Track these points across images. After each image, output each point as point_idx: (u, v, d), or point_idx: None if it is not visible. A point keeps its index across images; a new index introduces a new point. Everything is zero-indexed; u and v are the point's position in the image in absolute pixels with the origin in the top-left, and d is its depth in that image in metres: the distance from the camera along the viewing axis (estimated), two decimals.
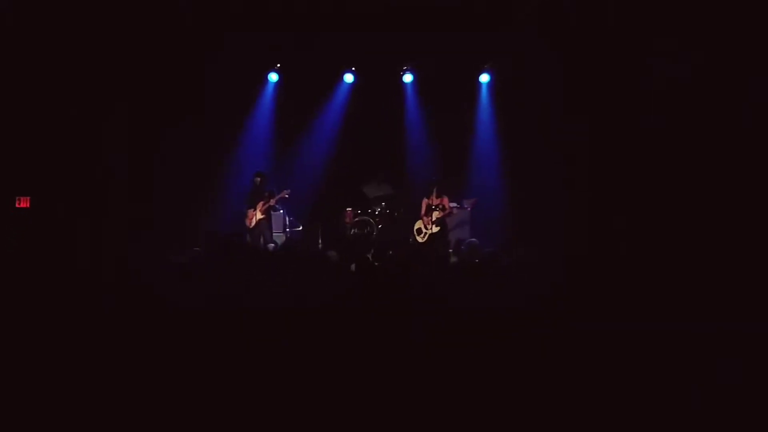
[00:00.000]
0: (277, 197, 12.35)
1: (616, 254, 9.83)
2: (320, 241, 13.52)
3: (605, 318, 5.19)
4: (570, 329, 4.98)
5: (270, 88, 14.02)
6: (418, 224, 12.37)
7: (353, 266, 8.14)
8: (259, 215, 12.30)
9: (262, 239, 12.24)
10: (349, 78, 13.94)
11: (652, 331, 4.87)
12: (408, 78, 13.89)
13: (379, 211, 13.90)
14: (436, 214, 12.01)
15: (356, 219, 13.80)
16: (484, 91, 13.97)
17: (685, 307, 5.41)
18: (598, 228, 11.31)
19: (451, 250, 12.34)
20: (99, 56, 11.22)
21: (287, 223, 13.61)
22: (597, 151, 11.89)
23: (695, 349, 4.57)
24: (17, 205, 10.80)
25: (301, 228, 13.90)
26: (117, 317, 5.16)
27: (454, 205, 12.37)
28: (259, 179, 12.41)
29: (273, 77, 13.86)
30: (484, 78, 13.82)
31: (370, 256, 9.82)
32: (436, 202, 12.06)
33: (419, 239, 12.29)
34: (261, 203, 12.27)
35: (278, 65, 13.73)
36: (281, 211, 13.40)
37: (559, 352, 4.74)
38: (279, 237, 13.16)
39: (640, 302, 5.54)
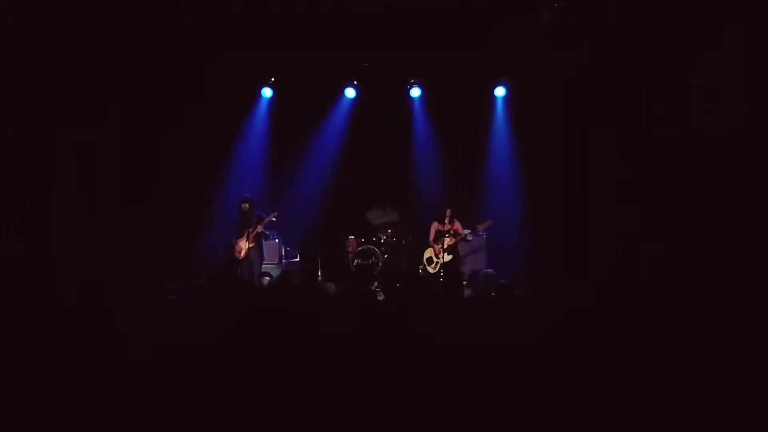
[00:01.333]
0: (265, 221, 12.57)
1: (640, 284, 10.21)
2: (320, 272, 13.81)
3: (630, 359, 5.35)
4: (590, 369, 5.25)
5: (263, 105, 14.44)
6: (429, 252, 12.73)
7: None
8: (248, 245, 12.54)
9: (252, 271, 12.52)
10: (350, 92, 14.33)
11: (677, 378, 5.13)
12: (416, 92, 14.28)
13: (384, 239, 14.19)
14: (447, 241, 12.38)
15: (360, 248, 14.08)
16: (499, 105, 14.34)
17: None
18: (626, 256, 11.70)
19: (464, 282, 12.77)
20: (85, 68, 11.81)
21: (283, 253, 13.95)
22: (624, 171, 12.26)
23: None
24: None
25: (298, 258, 14.24)
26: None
27: (467, 231, 12.76)
28: (246, 205, 12.59)
29: (266, 93, 14.26)
30: (500, 91, 14.20)
31: (375, 288, 10.24)
32: (447, 227, 12.43)
33: (430, 269, 12.64)
34: (250, 231, 12.52)
35: (272, 79, 14.16)
36: (276, 240, 13.73)
37: (578, 393, 5.00)
38: (273, 269, 13.51)
39: (669, 340, 5.71)
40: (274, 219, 12.62)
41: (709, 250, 10.58)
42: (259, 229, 12.52)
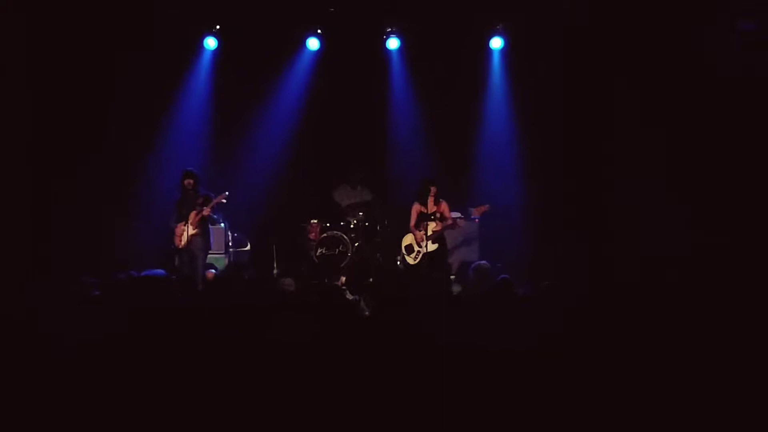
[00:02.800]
0: (213, 202, 12.29)
1: (666, 283, 10.17)
2: (275, 264, 13.71)
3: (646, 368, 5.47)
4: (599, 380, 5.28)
5: (206, 59, 14.28)
6: (408, 239, 12.55)
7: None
8: (191, 230, 12.23)
9: (194, 263, 12.26)
10: (313, 44, 14.17)
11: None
12: (393, 44, 14.14)
13: (354, 224, 14.07)
14: (432, 227, 12.15)
15: (324, 235, 13.92)
16: (495, 61, 14.25)
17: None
18: (647, 245, 11.62)
19: (453, 276, 12.59)
20: None
21: (230, 240, 13.77)
22: (649, 143, 12.26)
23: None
24: None
25: (249, 247, 14.08)
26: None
27: (457, 215, 12.56)
28: (190, 182, 12.29)
29: (210, 43, 14.08)
30: (496, 43, 14.07)
31: (341, 284, 10.07)
32: (432, 209, 12.23)
33: (410, 260, 12.46)
34: (193, 214, 12.22)
35: (217, 27, 13.99)
36: (222, 224, 13.54)
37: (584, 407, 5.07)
38: (219, 259, 13.33)
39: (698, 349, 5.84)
40: (224, 200, 12.34)
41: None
42: (206, 211, 12.24)
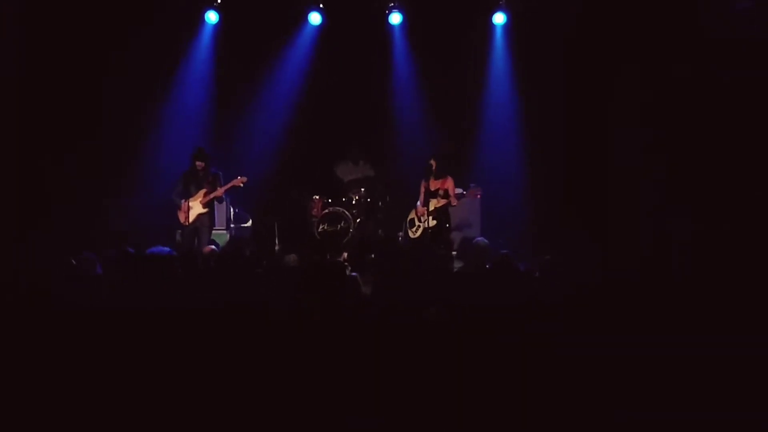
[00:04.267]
0: (228, 185, 12.36)
1: (672, 264, 10.28)
2: (277, 241, 13.77)
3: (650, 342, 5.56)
4: (602, 354, 5.38)
5: (207, 33, 14.26)
6: (413, 214, 12.77)
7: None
8: (199, 208, 12.35)
9: (197, 240, 12.34)
10: (315, 19, 14.16)
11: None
12: (396, 19, 14.13)
13: (356, 200, 14.15)
14: (434, 203, 12.28)
15: (326, 211, 13.99)
16: (498, 37, 14.25)
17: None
18: (652, 226, 11.72)
19: (454, 252, 12.70)
20: None
21: (231, 216, 13.86)
22: (655, 120, 12.29)
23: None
24: None
25: (250, 223, 14.17)
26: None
27: (459, 191, 12.68)
28: (202, 164, 12.31)
29: (211, 17, 14.05)
30: (499, 18, 14.07)
31: (344, 260, 10.18)
32: (435, 185, 12.35)
33: (411, 233, 12.69)
34: (203, 192, 12.31)
35: (218, 1, 13.97)
36: (223, 200, 13.44)
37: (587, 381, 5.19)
38: (221, 235, 13.39)
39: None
40: (241, 185, 12.45)
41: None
42: (219, 192, 12.36)
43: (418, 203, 12.53)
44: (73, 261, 8.61)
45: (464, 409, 5.00)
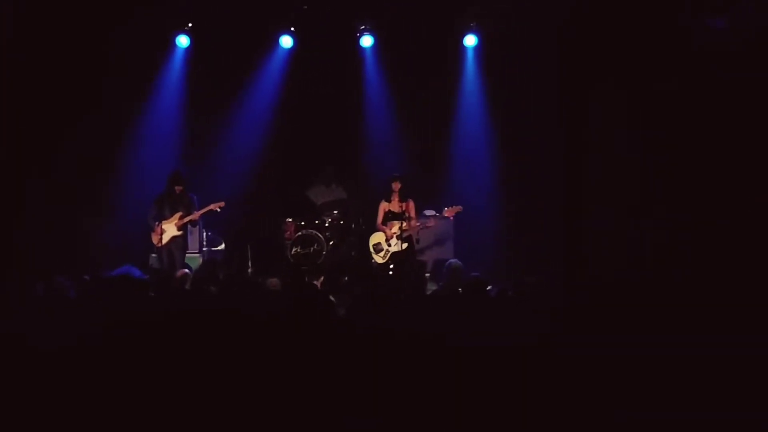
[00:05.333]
0: (204, 210, 12.48)
1: (645, 279, 10.32)
2: (250, 264, 13.83)
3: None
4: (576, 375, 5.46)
5: (179, 57, 14.32)
6: (377, 238, 12.66)
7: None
8: (174, 231, 12.45)
9: (172, 262, 12.43)
10: (286, 41, 14.25)
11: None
12: (367, 41, 14.23)
13: (329, 222, 14.18)
14: (397, 226, 12.25)
15: (299, 233, 14.01)
16: (469, 59, 14.35)
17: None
18: (624, 245, 11.80)
19: (428, 274, 12.77)
20: None
21: (204, 239, 13.86)
22: (624, 141, 12.32)
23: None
24: None
25: (223, 246, 14.18)
26: None
27: (431, 212, 12.79)
28: (179, 187, 12.41)
29: (182, 41, 14.12)
30: (470, 41, 14.18)
31: (318, 283, 10.21)
32: (397, 207, 12.35)
33: (378, 259, 12.59)
34: (178, 215, 12.41)
35: (189, 24, 14.02)
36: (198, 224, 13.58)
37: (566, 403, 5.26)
38: (193, 259, 13.37)
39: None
40: (218, 210, 12.52)
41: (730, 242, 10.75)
42: (196, 216, 12.49)
43: (379, 225, 12.51)
44: (40, 288, 8.63)
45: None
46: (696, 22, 11.53)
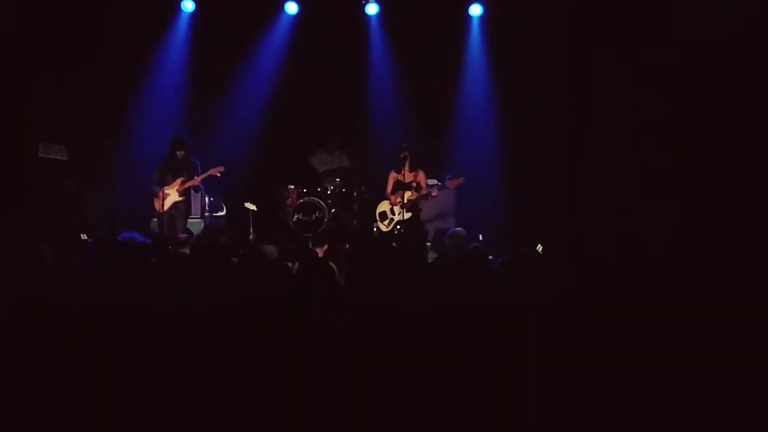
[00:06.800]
0: (205, 175, 12.65)
1: (645, 256, 10.39)
2: (252, 230, 13.79)
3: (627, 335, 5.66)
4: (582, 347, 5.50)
5: (183, 21, 14.37)
6: (383, 206, 12.87)
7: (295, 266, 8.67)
8: (176, 196, 12.61)
9: (174, 227, 12.59)
10: (291, 8, 14.31)
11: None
12: (372, 9, 14.29)
13: (332, 190, 14.19)
14: (408, 195, 12.41)
15: (301, 200, 14.03)
16: (474, 28, 14.39)
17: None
18: (625, 219, 11.88)
19: (429, 243, 12.90)
20: None
21: (206, 204, 13.97)
22: (629, 114, 12.38)
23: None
24: None
25: (224, 212, 14.29)
26: None
27: (433, 182, 12.90)
28: (182, 152, 12.59)
29: (187, 6, 14.20)
30: (476, 10, 14.23)
31: (319, 250, 10.33)
32: (409, 177, 12.49)
33: (383, 227, 12.78)
34: (179, 181, 12.58)
35: None
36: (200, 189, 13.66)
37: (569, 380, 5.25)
38: (195, 224, 13.51)
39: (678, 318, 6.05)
40: (218, 174, 12.71)
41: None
42: (196, 181, 12.63)
43: (388, 194, 12.70)
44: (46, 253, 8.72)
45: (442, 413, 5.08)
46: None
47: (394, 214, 12.61)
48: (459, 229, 12.00)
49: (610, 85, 12.56)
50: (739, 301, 6.27)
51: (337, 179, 14.31)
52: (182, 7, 14.20)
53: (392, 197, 12.63)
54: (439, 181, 13.07)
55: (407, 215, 12.47)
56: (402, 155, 12.44)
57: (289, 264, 8.86)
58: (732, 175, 11.11)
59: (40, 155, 12.89)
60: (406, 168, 12.44)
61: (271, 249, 9.50)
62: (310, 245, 12.56)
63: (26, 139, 12.67)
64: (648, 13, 12.00)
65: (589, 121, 12.90)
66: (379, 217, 12.87)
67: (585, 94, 12.90)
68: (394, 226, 12.59)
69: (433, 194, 12.65)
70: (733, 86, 11.10)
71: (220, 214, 14.28)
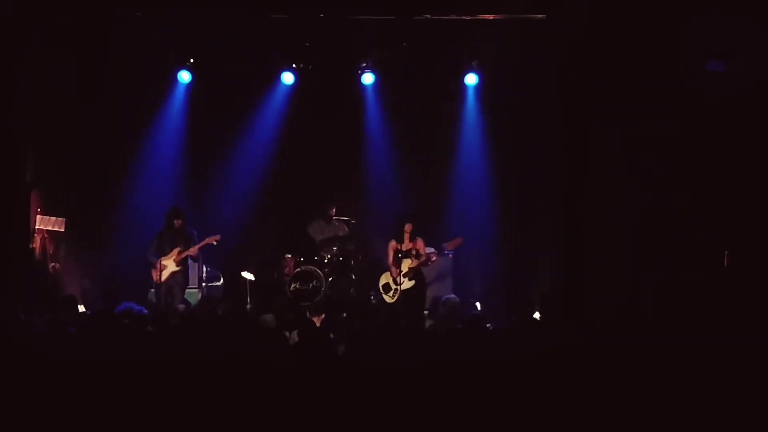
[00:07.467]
0: (201, 243, 12.70)
1: (643, 319, 10.41)
2: (249, 299, 13.83)
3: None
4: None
5: (180, 93, 14.46)
6: (385, 278, 12.89)
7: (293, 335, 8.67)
8: (173, 266, 12.62)
9: (171, 297, 12.56)
10: (288, 78, 14.39)
11: None
12: (368, 79, 14.35)
13: (329, 259, 14.19)
14: (408, 264, 12.47)
15: (298, 269, 14.05)
16: (470, 97, 14.50)
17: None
18: (622, 284, 11.90)
19: (426, 312, 12.88)
20: None
21: (204, 274, 13.98)
22: (625, 180, 12.36)
23: None
24: None
25: (222, 282, 14.30)
26: None
27: (431, 250, 12.88)
28: (179, 221, 12.65)
29: (184, 77, 14.25)
30: (471, 79, 14.31)
31: (317, 319, 10.30)
32: (408, 246, 12.54)
33: (387, 298, 12.79)
34: (177, 251, 12.60)
35: (191, 60, 14.15)
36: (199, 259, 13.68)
37: None
38: (193, 294, 13.51)
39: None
40: (215, 243, 12.77)
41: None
42: (193, 251, 12.66)
43: (390, 264, 12.69)
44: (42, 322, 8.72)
45: None
46: (695, 64, 11.72)
47: (397, 284, 12.61)
48: (453, 296, 12.01)
49: (607, 149, 12.62)
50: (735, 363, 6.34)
51: (334, 248, 14.26)
52: (179, 78, 14.23)
53: (393, 269, 12.63)
54: (435, 248, 13.03)
55: (410, 284, 12.53)
56: (402, 225, 12.50)
57: (287, 333, 8.85)
58: (728, 219, 11.26)
59: (37, 227, 12.93)
60: (407, 237, 12.50)
61: (269, 318, 9.47)
62: (308, 314, 12.52)
63: (23, 210, 12.69)
64: (646, 77, 12.17)
65: (586, 186, 12.94)
66: (383, 289, 12.87)
67: (582, 159, 12.97)
68: (399, 296, 12.59)
69: (433, 259, 12.70)
70: (727, 131, 11.31)
71: (218, 284, 14.26)
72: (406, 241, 12.53)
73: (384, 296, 12.83)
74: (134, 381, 5.79)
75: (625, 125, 12.27)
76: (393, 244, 12.67)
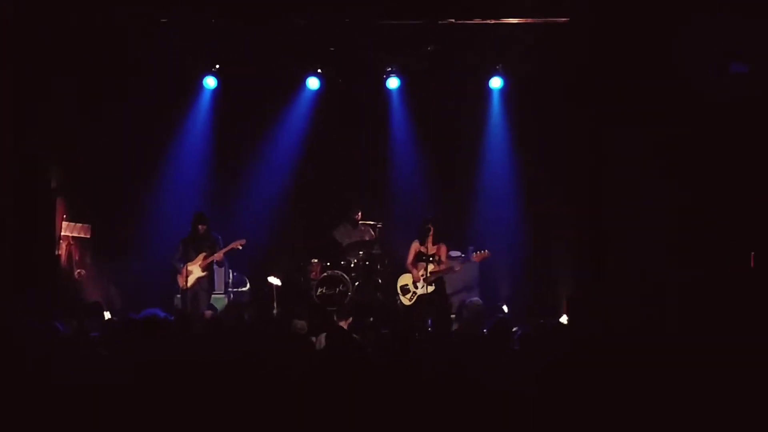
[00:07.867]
0: (227, 248, 12.76)
1: (671, 327, 10.42)
2: (275, 304, 13.87)
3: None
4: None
5: (206, 98, 14.59)
6: (405, 279, 12.82)
7: (321, 339, 8.70)
8: (199, 272, 12.71)
9: (197, 303, 12.65)
10: (313, 83, 14.45)
11: None
12: (393, 83, 14.42)
13: (355, 263, 14.18)
14: (430, 268, 12.42)
15: (325, 274, 14.03)
16: (495, 101, 14.54)
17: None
18: (649, 292, 11.90)
19: (453, 315, 12.88)
20: None
21: (230, 280, 14.07)
22: (650, 182, 12.50)
23: None
24: None
25: (248, 287, 14.37)
26: None
27: (456, 254, 12.92)
28: (204, 227, 12.73)
29: (210, 83, 14.35)
30: (496, 83, 14.32)
31: (343, 323, 10.33)
32: (431, 250, 12.49)
33: (405, 300, 12.75)
34: (202, 256, 12.69)
35: (217, 66, 14.25)
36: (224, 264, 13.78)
37: None
38: (219, 299, 13.59)
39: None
40: (240, 247, 12.81)
41: None
42: (218, 256, 12.74)
43: (408, 264, 12.64)
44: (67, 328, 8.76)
45: None
46: (718, 67, 11.73)
47: (416, 288, 12.58)
48: (476, 299, 11.96)
49: (632, 151, 12.63)
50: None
51: (361, 252, 14.26)
52: (204, 84, 14.33)
53: (414, 270, 12.58)
54: (462, 253, 13.08)
55: (430, 289, 12.47)
56: (426, 227, 12.47)
57: (313, 338, 8.89)
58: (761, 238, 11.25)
59: (63, 234, 13.05)
60: (430, 240, 12.46)
61: (301, 324, 9.49)
62: (335, 319, 12.54)
63: (48, 216, 12.82)
64: (662, 82, 12.18)
65: (612, 188, 12.96)
66: (401, 291, 12.81)
67: (606, 161, 12.99)
68: (417, 299, 12.56)
69: (456, 269, 12.62)
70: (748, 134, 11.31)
71: (244, 289, 14.34)
72: (429, 244, 12.49)
73: (402, 298, 12.78)
74: (162, 384, 5.78)
75: (649, 127, 12.33)
76: (416, 245, 12.62)
